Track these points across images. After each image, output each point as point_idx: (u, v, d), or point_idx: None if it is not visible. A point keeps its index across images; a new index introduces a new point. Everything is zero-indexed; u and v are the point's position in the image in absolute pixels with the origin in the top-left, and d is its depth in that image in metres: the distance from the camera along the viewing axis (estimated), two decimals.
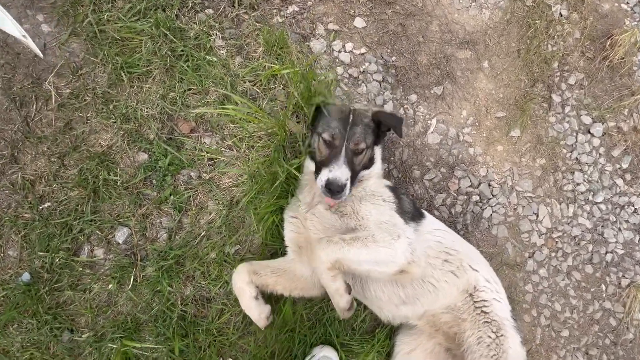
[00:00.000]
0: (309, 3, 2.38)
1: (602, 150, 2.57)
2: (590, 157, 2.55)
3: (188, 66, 2.10)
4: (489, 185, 2.46)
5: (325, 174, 1.77)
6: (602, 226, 2.54)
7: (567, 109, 2.56)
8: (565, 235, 2.50)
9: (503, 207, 2.46)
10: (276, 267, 2.00)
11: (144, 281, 2.06)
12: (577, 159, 2.54)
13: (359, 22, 2.40)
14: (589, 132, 2.58)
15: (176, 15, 2.15)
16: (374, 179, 2.00)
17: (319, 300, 2.16)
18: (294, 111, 2.12)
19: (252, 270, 1.94)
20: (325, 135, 1.86)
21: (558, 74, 2.57)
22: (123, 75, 2.06)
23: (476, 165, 2.45)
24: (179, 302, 2.08)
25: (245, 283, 1.90)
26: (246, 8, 2.26)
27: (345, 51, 2.38)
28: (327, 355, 2.12)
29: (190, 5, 2.18)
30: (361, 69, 2.38)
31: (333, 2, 2.41)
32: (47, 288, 2.00)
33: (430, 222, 2.04)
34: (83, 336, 2.03)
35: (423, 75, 2.45)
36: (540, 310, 2.46)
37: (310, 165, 1.99)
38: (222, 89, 2.10)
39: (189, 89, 2.13)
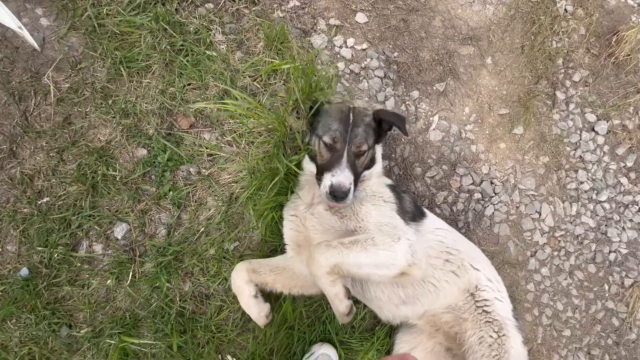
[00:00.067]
0: None
1: (606, 148, 2.54)
2: (594, 155, 2.52)
3: (188, 61, 2.08)
4: (491, 183, 2.43)
5: (328, 179, 1.74)
6: (605, 225, 2.51)
7: (572, 106, 2.53)
8: (568, 234, 2.47)
9: (505, 205, 2.43)
10: (275, 265, 1.99)
11: (142, 277, 2.05)
12: (581, 157, 2.51)
13: (360, 17, 2.37)
14: (593, 129, 2.54)
15: (176, 9, 2.13)
16: (375, 178, 1.98)
17: (318, 298, 2.15)
18: (294, 107, 2.10)
19: (251, 268, 1.92)
20: (326, 138, 1.82)
21: (562, 70, 2.54)
22: (122, 69, 2.04)
23: (478, 163, 2.43)
24: (177, 299, 2.08)
25: (244, 282, 1.89)
26: (246, 2, 2.23)
27: (346, 47, 2.35)
28: (327, 352, 2.11)
29: (190, 0, 2.16)
30: (363, 65, 2.36)
31: None
32: (45, 283, 1.99)
33: (431, 221, 2.02)
34: (81, 331, 2.03)
35: (425, 71, 2.42)
36: (542, 309, 2.44)
37: (309, 166, 1.96)
38: (221, 84, 2.08)
39: (189, 84, 2.11)
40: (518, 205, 2.45)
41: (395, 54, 2.40)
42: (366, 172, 1.94)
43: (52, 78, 2.04)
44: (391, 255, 1.68)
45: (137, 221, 2.07)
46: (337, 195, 1.70)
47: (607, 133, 2.54)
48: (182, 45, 2.09)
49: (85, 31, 2.06)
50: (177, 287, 2.08)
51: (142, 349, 2.03)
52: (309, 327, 2.16)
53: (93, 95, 2.06)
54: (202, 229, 2.10)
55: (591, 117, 2.53)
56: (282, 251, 2.08)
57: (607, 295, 2.49)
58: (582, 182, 2.50)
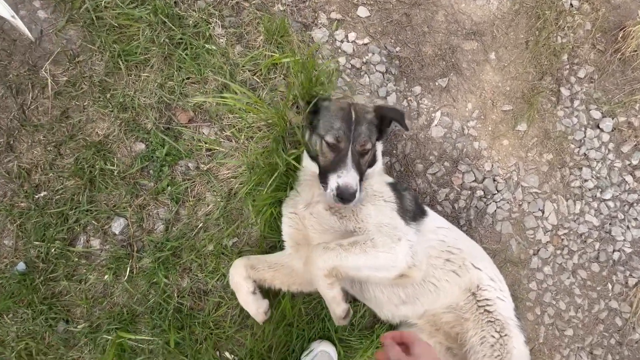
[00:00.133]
0: None
1: (611, 145, 2.50)
2: (599, 152, 2.48)
3: (187, 54, 2.06)
4: (494, 180, 2.40)
5: (334, 181, 1.68)
6: (609, 224, 2.48)
7: (576, 103, 2.49)
8: (571, 232, 2.44)
9: (508, 202, 2.40)
10: (274, 262, 1.96)
11: (140, 272, 2.04)
12: (585, 154, 2.48)
13: (362, 11, 2.34)
14: (598, 127, 2.50)
15: (175, 2, 2.10)
16: (376, 176, 1.94)
17: (317, 295, 2.12)
18: (294, 102, 2.07)
19: (249, 264, 1.90)
20: (329, 138, 1.76)
21: (567, 66, 2.50)
22: (120, 63, 2.02)
23: (481, 160, 2.39)
24: (175, 294, 2.06)
25: (242, 278, 1.86)
26: None
27: (347, 41, 2.32)
28: (326, 350, 2.09)
29: None
30: (364, 60, 2.33)
31: None
32: (42, 278, 1.98)
33: (432, 219, 1.98)
34: (78, 327, 2.01)
35: (428, 66, 2.39)
36: (544, 308, 2.41)
37: (310, 165, 1.91)
38: (221, 78, 2.06)
39: (188, 78, 2.09)
40: (521, 203, 2.42)
41: (397, 48, 2.37)
42: (368, 171, 1.90)
43: (49, 71, 2.02)
44: (391, 257, 1.65)
45: (135, 216, 2.05)
46: (344, 197, 1.65)
47: (612, 130, 2.50)
48: (181, 38, 2.06)
49: (84, 24, 2.03)
50: (175, 283, 2.06)
51: (140, 344, 2.02)
52: (308, 324, 2.14)
53: (91, 88, 2.04)
54: (200, 225, 2.08)
55: (596, 114, 2.50)
56: (281, 247, 2.06)
57: (610, 294, 2.46)
58: (586, 180, 2.47)
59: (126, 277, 2.02)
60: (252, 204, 2.00)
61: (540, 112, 2.45)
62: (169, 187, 2.06)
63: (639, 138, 2.51)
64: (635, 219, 2.49)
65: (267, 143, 2.05)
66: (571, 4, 2.50)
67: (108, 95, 2.04)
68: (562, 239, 2.44)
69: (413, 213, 1.89)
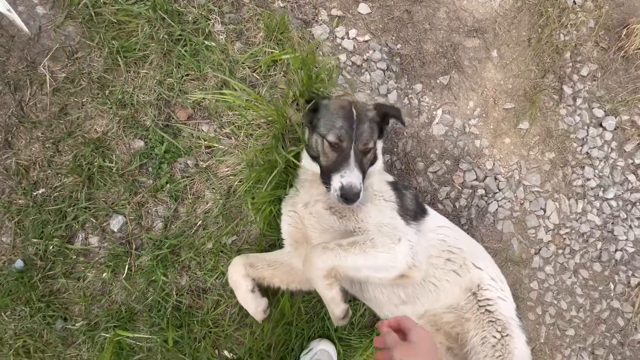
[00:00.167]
0: None
1: (614, 144, 2.48)
2: (601, 151, 2.46)
3: (186, 51, 2.04)
4: (495, 179, 2.38)
5: (337, 181, 1.65)
6: (612, 223, 2.46)
7: (579, 101, 2.47)
8: (573, 231, 2.42)
9: (509, 201, 2.38)
10: (273, 260, 1.95)
11: (138, 270, 2.03)
12: (587, 153, 2.46)
13: (363, 8, 2.32)
14: (601, 125, 2.48)
15: None
16: (377, 175, 1.92)
17: (317, 294, 2.08)
18: (294, 99, 2.06)
19: (248, 262, 1.88)
20: (331, 137, 1.72)
21: (570, 64, 2.47)
22: (119, 59, 2.01)
23: (482, 158, 2.38)
24: (174, 293, 2.04)
25: (241, 276, 1.85)
26: None
27: (348, 38, 2.30)
28: (325, 349, 2.08)
29: None
30: (365, 57, 2.31)
31: None
32: (40, 275, 1.97)
33: (433, 218, 1.96)
34: (76, 325, 2.00)
35: (429, 64, 2.37)
36: (545, 308, 2.39)
37: (310, 165, 1.89)
38: (220, 74, 2.04)
39: (187, 75, 2.07)
40: (522, 201, 2.40)
41: (399, 46, 2.35)
42: (369, 169, 1.88)
43: (48, 67, 2.00)
44: (391, 257, 1.63)
45: (134, 214, 2.04)
46: (349, 197, 1.62)
47: (615, 129, 2.48)
48: (180, 35, 2.05)
49: (82, 20, 2.02)
50: (173, 281, 2.05)
51: (138, 343, 2.00)
52: (307, 323, 2.13)
53: (89, 85, 2.02)
54: (199, 223, 2.06)
55: (599, 113, 2.47)
56: (281, 246, 2.04)
57: (612, 294, 2.44)
58: (588, 179, 2.45)
59: (124, 275, 2.01)
60: (252, 202, 1.98)
61: (542, 111, 2.42)
62: (168, 185, 2.04)
63: None
64: (638, 219, 2.47)
65: (266, 140, 2.03)
66: (574, 1, 2.47)
67: (107, 92, 2.02)
68: (564, 238, 2.42)
69: (414, 212, 1.87)
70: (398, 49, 2.34)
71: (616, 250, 2.45)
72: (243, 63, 2.09)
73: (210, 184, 2.07)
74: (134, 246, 2.04)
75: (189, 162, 2.08)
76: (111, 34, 2.01)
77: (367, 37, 2.31)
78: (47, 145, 2.00)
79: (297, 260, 1.93)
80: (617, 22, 2.51)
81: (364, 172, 1.74)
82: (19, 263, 1.97)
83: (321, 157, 1.78)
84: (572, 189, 2.44)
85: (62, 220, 1.99)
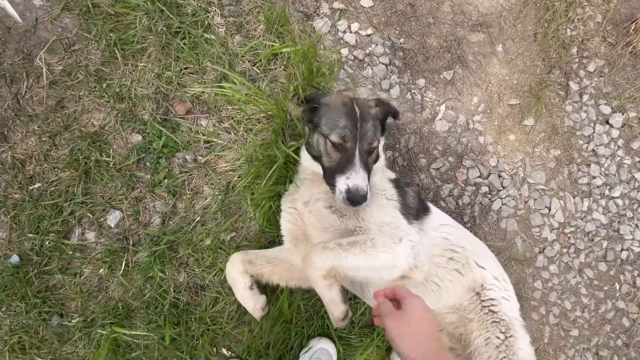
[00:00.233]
0: None
1: (620, 142, 2.43)
2: (608, 149, 2.41)
3: (185, 44, 2.00)
4: (499, 176, 2.34)
5: (342, 183, 1.59)
6: (618, 222, 2.41)
7: (585, 97, 2.42)
8: (578, 230, 2.38)
9: (513, 199, 2.34)
10: (272, 257, 1.91)
11: (135, 266, 2.00)
12: (593, 150, 2.41)
13: (365, 1, 2.28)
14: (607, 122, 2.43)
15: None
16: (379, 172, 1.87)
17: (316, 292, 2.07)
18: (294, 93, 2.02)
19: (246, 259, 1.85)
20: (334, 138, 1.65)
21: (577, 60, 2.43)
22: (117, 52, 1.97)
23: (486, 155, 2.33)
24: (171, 289, 2.02)
25: (239, 273, 1.82)
26: None
27: (350, 32, 2.26)
28: (325, 347, 2.05)
29: None
30: (367, 51, 2.27)
31: None
32: (36, 271, 1.94)
33: (435, 216, 1.92)
34: (73, 321, 1.98)
35: (432, 58, 2.32)
36: (549, 308, 2.35)
37: (310, 165, 1.83)
38: (220, 68, 2.00)
39: (186, 68, 2.03)
40: (527, 199, 2.36)
41: (402, 40, 2.30)
42: (373, 167, 1.84)
43: (44, 60, 1.97)
44: (392, 257, 1.59)
45: (131, 209, 2.01)
46: (355, 199, 1.57)
47: (622, 126, 2.43)
48: (179, 27, 2.01)
49: (79, 12, 1.98)
50: (171, 278, 2.02)
51: (135, 340, 1.98)
52: (306, 321, 2.10)
53: (87, 78, 1.99)
54: (197, 218, 2.03)
55: (606, 109, 2.43)
56: (280, 242, 2.01)
57: (617, 294, 2.40)
58: (594, 177, 2.40)
59: (121, 271, 1.98)
60: (251, 198, 1.95)
61: (548, 107, 2.38)
62: (166, 180, 2.01)
63: None
64: None
65: (266, 135, 1.99)
66: None
67: (104, 85, 1.99)
68: (569, 237, 2.37)
69: (416, 210, 1.82)
70: (401, 43, 2.30)
71: (622, 249, 2.41)
72: (243, 56, 2.06)
73: (209, 180, 2.04)
74: (131, 242, 2.01)
75: (187, 157, 2.05)
76: (109, 26, 1.98)
77: (369, 31, 2.27)
78: (43, 139, 1.97)
79: (297, 257, 1.89)
80: (625, 17, 2.45)
81: (369, 172, 1.68)
82: (15, 258, 1.94)
83: (324, 158, 1.72)
84: (578, 187, 2.40)
85: (59, 215, 1.96)
